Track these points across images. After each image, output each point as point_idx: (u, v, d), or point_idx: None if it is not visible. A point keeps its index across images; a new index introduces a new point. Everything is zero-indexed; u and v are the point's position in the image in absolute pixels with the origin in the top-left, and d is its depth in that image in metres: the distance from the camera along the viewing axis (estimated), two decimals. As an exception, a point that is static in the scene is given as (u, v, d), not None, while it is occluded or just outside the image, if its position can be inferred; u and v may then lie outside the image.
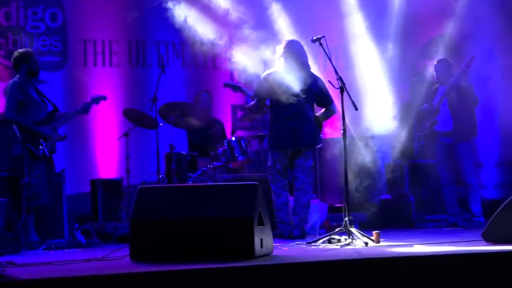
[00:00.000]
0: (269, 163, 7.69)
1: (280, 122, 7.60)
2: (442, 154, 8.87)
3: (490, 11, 9.67)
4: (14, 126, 7.33)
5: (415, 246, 6.25)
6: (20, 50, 7.65)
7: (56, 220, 7.83)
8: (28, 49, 7.88)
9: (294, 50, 7.57)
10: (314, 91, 7.60)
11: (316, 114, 7.72)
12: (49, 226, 7.76)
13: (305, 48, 7.66)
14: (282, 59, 7.57)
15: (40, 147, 7.34)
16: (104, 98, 8.29)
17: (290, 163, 7.65)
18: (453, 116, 8.77)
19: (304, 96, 7.53)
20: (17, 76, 7.52)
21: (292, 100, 7.50)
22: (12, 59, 7.66)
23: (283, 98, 7.50)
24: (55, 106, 7.64)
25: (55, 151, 7.60)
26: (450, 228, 8.52)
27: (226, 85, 8.36)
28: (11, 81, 7.53)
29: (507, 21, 9.86)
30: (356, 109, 7.10)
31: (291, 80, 7.49)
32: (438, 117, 8.82)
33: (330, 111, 7.75)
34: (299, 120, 7.54)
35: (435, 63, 9.01)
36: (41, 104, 7.55)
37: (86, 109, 8.02)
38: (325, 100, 7.68)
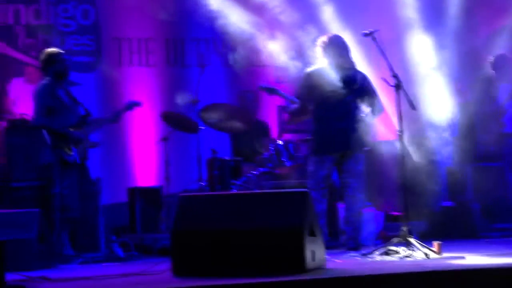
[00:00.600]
0: (310, 168, 7.63)
1: (326, 123, 7.57)
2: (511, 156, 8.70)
3: None
4: (44, 132, 7.40)
5: (481, 257, 6.20)
6: (47, 50, 7.70)
7: (92, 232, 7.90)
8: (55, 49, 7.88)
9: (337, 45, 7.55)
10: (363, 89, 7.57)
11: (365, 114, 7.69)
12: (85, 238, 7.83)
13: (352, 42, 7.64)
14: (324, 55, 7.56)
15: (72, 153, 7.39)
16: (138, 104, 8.33)
17: (338, 168, 7.62)
18: None
19: (351, 94, 7.51)
20: (46, 78, 7.59)
21: (339, 98, 7.47)
22: (39, 61, 7.75)
23: (328, 97, 7.47)
24: (87, 110, 7.70)
25: (87, 158, 7.66)
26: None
27: (260, 88, 8.39)
28: (39, 84, 7.61)
29: None
30: (414, 108, 7.08)
31: (336, 77, 7.47)
32: (505, 117, 8.70)
33: (377, 110, 7.70)
34: (347, 120, 7.51)
35: (492, 58, 8.89)
36: (72, 108, 7.61)
37: (117, 116, 8.06)
38: (372, 98, 7.64)
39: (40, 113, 7.43)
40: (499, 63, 8.78)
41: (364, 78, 7.64)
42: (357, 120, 7.53)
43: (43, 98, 7.45)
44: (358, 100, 7.58)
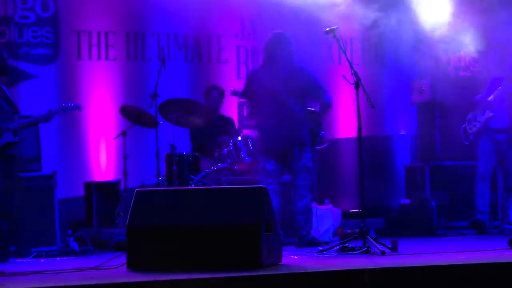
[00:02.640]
0: (260, 165, 7.75)
1: (262, 122, 7.68)
2: (488, 151, 8.76)
3: None
4: None
5: (436, 254, 6.28)
6: None
7: (47, 226, 7.86)
8: None
9: (277, 43, 7.66)
10: (298, 84, 7.63)
11: (313, 109, 7.74)
12: (40, 232, 7.79)
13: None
14: (265, 54, 7.68)
15: None
16: (78, 108, 8.15)
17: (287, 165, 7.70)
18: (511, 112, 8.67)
19: (289, 92, 7.56)
20: None
21: (276, 97, 7.54)
22: None
23: (267, 95, 7.55)
24: (15, 107, 7.57)
25: (8, 155, 7.45)
26: (474, 236, 8.56)
27: (233, 93, 8.42)
28: None
29: None
30: (373, 106, 7.12)
31: (267, 76, 7.56)
32: (494, 111, 8.69)
33: (323, 104, 7.77)
34: (280, 118, 7.57)
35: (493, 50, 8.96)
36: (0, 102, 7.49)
37: (49, 117, 7.76)
38: (315, 91, 7.71)
39: None
40: (499, 54, 8.80)
41: (306, 75, 7.69)
42: (297, 118, 7.58)
43: None
44: (297, 96, 7.63)
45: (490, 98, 8.74)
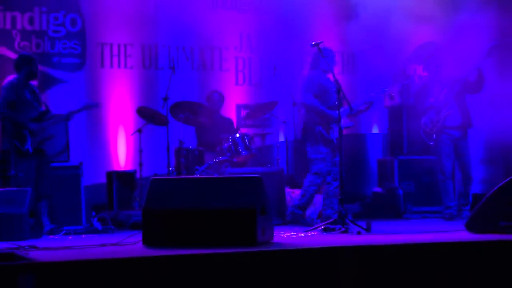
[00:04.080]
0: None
1: None
2: (447, 149, 8.52)
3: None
4: (6, 123, 7.31)
5: (403, 234, 6.28)
6: (24, 52, 7.61)
7: (74, 208, 7.85)
8: (32, 54, 7.80)
9: None
10: None
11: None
12: (68, 213, 7.78)
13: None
14: None
15: (25, 144, 7.26)
16: (96, 105, 8.16)
17: None
18: (461, 109, 8.48)
19: None
20: (15, 77, 7.43)
21: None
22: (15, 60, 7.57)
23: None
24: (47, 107, 7.59)
25: (42, 149, 7.48)
26: (436, 219, 8.56)
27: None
28: (7, 81, 7.44)
29: None
30: (352, 110, 7.13)
31: None
32: (448, 109, 8.52)
33: None
34: None
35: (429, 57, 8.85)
36: (33, 104, 7.45)
37: (71, 116, 7.76)
38: None
39: (3, 105, 7.28)
40: (433, 61, 8.68)
41: None
42: None
43: (7, 93, 7.30)
44: None
45: (441, 99, 8.57)
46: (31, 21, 9.62)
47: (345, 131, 7.19)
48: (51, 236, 7.13)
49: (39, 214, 7.15)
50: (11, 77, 7.48)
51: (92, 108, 8.22)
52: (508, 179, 6.08)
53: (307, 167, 7.98)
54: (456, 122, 8.51)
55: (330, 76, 7.46)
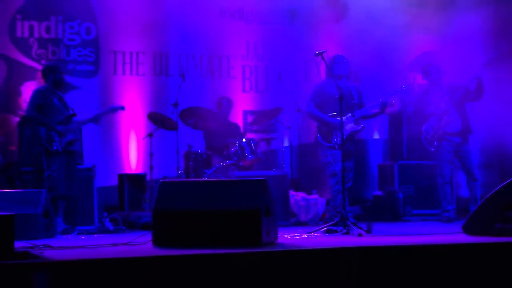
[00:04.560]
0: None
1: None
2: (448, 154, 8.39)
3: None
4: (36, 128, 7.47)
5: (402, 236, 6.25)
6: (48, 63, 7.78)
7: (87, 209, 7.86)
8: (55, 62, 8.04)
9: None
10: None
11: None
12: (82, 214, 7.80)
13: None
14: None
15: (54, 143, 7.37)
16: (122, 108, 8.25)
17: None
18: (461, 116, 8.38)
19: None
20: (44, 85, 7.68)
21: None
22: (41, 71, 7.84)
23: None
24: (73, 111, 7.70)
25: (71, 150, 7.58)
26: (435, 222, 8.51)
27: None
28: (36, 88, 7.71)
29: None
30: (353, 115, 7.10)
31: None
32: (449, 117, 8.43)
33: None
34: None
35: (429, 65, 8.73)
36: (60, 108, 7.60)
37: (97, 118, 7.86)
38: None
39: (31, 108, 7.49)
40: (434, 68, 8.59)
41: None
42: None
43: (36, 98, 7.51)
44: None
45: (441, 106, 8.50)
46: (47, 29, 9.64)
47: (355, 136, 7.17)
48: (65, 236, 7.13)
49: (53, 214, 7.14)
50: (40, 87, 7.75)
51: (117, 110, 8.28)
52: (504, 183, 6.04)
53: (319, 170, 7.97)
54: (457, 128, 8.43)
55: (343, 82, 7.53)
